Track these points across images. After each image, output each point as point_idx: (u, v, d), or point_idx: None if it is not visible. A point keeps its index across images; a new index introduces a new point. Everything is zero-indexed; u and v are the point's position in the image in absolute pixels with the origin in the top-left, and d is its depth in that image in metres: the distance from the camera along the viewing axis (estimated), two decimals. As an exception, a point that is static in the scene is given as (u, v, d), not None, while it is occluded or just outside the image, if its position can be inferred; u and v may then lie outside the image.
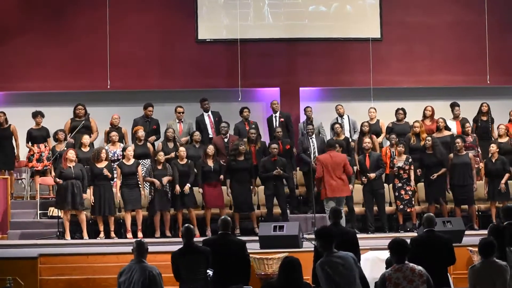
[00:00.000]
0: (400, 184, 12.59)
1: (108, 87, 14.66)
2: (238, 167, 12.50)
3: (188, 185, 12.26)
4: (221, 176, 12.54)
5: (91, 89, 14.87)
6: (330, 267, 6.74)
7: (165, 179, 12.20)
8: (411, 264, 6.59)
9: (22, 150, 13.98)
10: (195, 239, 8.03)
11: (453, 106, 14.18)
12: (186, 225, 8.09)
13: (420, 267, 6.62)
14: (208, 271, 7.72)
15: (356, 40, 15.33)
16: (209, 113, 14.07)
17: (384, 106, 14.64)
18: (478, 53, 15.19)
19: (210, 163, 12.46)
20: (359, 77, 15.18)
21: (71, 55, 14.90)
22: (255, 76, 15.15)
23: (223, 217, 8.36)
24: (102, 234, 12.11)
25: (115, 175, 12.42)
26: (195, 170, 12.48)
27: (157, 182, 12.13)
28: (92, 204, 12.11)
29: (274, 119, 14.01)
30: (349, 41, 15.37)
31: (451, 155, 12.82)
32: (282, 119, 13.88)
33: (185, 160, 12.45)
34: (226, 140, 13.28)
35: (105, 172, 12.11)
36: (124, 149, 12.59)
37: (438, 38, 15.41)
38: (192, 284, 7.66)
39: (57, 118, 13.98)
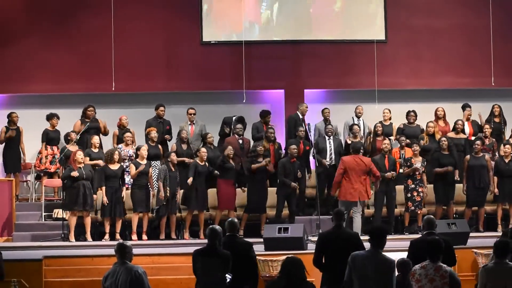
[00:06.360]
0: (413, 186, 12.50)
1: (113, 89, 14.65)
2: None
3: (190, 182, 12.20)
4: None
5: (96, 91, 14.89)
6: (357, 263, 6.73)
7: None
8: (439, 264, 6.61)
9: (27, 152, 14.01)
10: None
11: (464, 107, 14.08)
12: (211, 226, 7.89)
13: (447, 268, 6.65)
14: (226, 275, 7.64)
15: (361, 42, 15.33)
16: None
17: (389, 108, 14.57)
18: (483, 55, 15.17)
19: (232, 162, 12.51)
20: (364, 79, 15.16)
21: (76, 58, 14.92)
22: (260, 78, 15.14)
23: (230, 219, 8.29)
24: (107, 236, 12.10)
25: (125, 176, 12.44)
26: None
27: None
28: (105, 204, 12.03)
29: (298, 119, 13.84)
30: (354, 43, 15.38)
31: (468, 156, 12.70)
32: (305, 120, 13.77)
33: (204, 162, 12.46)
34: (240, 141, 13.29)
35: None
36: (138, 149, 12.60)
37: (443, 40, 15.40)
38: (206, 286, 7.63)
39: (62, 120, 13.95)
